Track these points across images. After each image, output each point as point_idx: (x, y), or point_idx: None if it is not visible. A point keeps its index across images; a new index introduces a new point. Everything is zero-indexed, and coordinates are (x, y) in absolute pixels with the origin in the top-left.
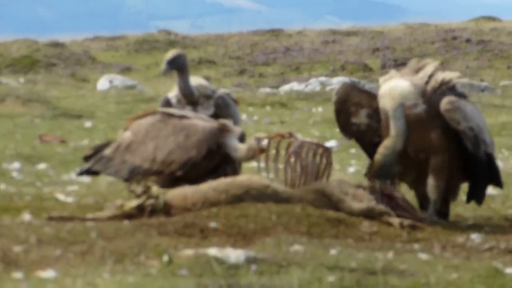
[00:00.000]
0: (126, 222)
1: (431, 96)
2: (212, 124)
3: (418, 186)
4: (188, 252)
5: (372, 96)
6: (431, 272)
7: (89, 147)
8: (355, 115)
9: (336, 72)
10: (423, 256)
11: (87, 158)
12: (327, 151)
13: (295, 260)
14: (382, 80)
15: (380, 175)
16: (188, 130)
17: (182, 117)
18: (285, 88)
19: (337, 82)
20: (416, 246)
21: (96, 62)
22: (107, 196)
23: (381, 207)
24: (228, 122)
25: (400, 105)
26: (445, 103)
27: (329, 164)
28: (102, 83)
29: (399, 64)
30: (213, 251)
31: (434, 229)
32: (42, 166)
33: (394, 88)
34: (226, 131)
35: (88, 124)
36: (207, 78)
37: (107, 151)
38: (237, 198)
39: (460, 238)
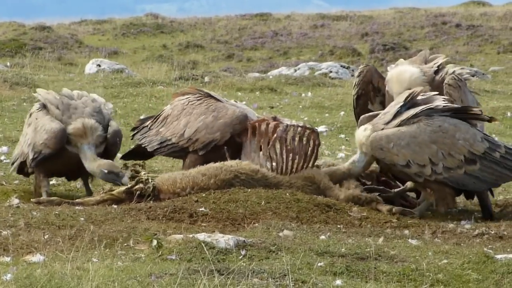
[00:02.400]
0: (115, 207)
1: (439, 85)
2: (241, 111)
3: None
4: (177, 237)
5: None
6: (421, 257)
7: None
8: (372, 101)
9: (324, 57)
10: (414, 242)
11: (134, 129)
12: (314, 132)
13: (284, 245)
14: (390, 67)
15: None
16: (218, 112)
17: (218, 99)
18: (274, 72)
19: (326, 66)
20: (406, 232)
21: (83, 45)
22: (96, 180)
23: (369, 194)
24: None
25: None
26: (449, 78)
27: (316, 145)
28: (90, 67)
29: (388, 49)
30: (202, 236)
31: (425, 215)
32: None
33: (402, 73)
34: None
35: None
36: (195, 63)
37: (148, 122)
38: (226, 183)
39: (450, 224)
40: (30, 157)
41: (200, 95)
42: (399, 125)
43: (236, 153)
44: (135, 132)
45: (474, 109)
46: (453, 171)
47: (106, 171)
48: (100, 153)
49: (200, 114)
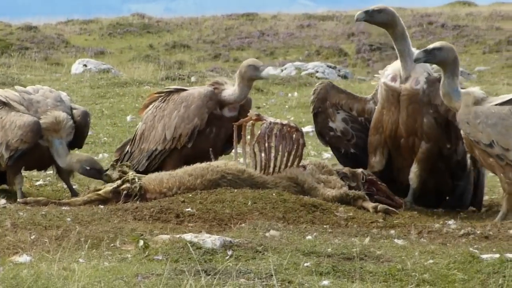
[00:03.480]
0: (101, 207)
1: (435, 81)
2: (207, 88)
3: (403, 174)
4: (164, 237)
5: (351, 97)
6: (407, 257)
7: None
8: (332, 118)
9: (311, 57)
10: (400, 242)
11: (116, 161)
12: (298, 131)
13: (271, 245)
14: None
15: None
16: (186, 100)
17: (179, 90)
18: None
19: (312, 66)
20: (392, 232)
21: (70, 45)
22: (82, 180)
23: (354, 192)
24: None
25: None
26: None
27: (301, 145)
28: (76, 67)
29: (374, 49)
30: (189, 237)
31: (411, 215)
32: None
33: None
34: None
35: None
36: (181, 63)
37: (127, 147)
38: (213, 183)
39: (436, 224)
40: (6, 156)
41: (162, 96)
42: (490, 106)
43: (220, 128)
44: (120, 163)
45: None
46: None
47: (88, 167)
48: (70, 140)
49: (171, 111)
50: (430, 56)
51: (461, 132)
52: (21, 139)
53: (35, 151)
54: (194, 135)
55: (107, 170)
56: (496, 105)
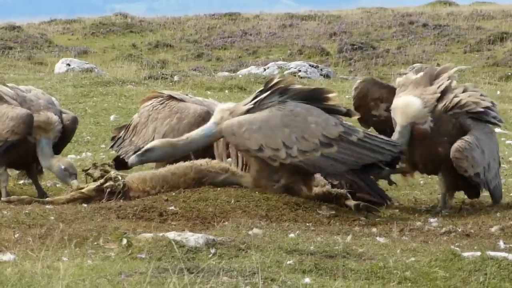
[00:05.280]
0: (85, 206)
1: (440, 114)
2: (203, 108)
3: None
4: (147, 235)
5: (392, 92)
6: (389, 255)
7: None
8: (375, 108)
9: (293, 56)
10: (381, 239)
11: (113, 138)
12: None
13: (254, 243)
14: (398, 85)
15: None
16: (181, 113)
17: (180, 99)
18: (243, 72)
19: (295, 65)
20: (374, 230)
21: (53, 45)
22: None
23: (337, 190)
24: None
25: (410, 124)
26: (454, 150)
27: None
28: (59, 66)
29: (356, 48)
30: (172, 235)
31: (392, 213)
32: None
33: (408, 106)
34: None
35: None
36: (164, 62)
37: (122, 132)
38: (196, 181)
39: (418, 222)
40: None
41: (162, 98)
42: (252, 108)
43: (206, 151)
44: (113, 143)
45: (330, 95)
46: (309, 153)
47: (63, 167)
48: (55, 142)
49: (165, 118)
50: (143, 157)
51: (230, 149)
52: (12, 130)
53: (21, 146)
54: None
55: (88, 169)
56: (247, 108)
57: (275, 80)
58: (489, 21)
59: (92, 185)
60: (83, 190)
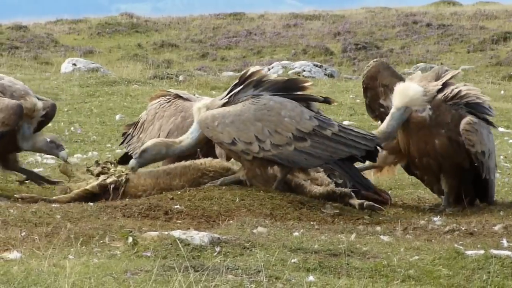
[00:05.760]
0: (91, 205)
1: (440, 104)
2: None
3: (432, 184)
4: (153, 234)
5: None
6: (393, 254)
7: (52, 130)
8: (383, 97)
9: (297, 56)
10: (385, 238)
11: (124, 134)
12: None
13: (258, 242)
14: (409, 79)
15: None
16: (186, 112)
17: (186, 99)
18: None
19: (299, 65)
20: (378, 228)
21: (59, 45)
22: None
23: (341, 189)
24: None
25: (405, 108)
26: (465, 122)
27: None
28: (66, 66)
29: (360, 48)
30: (177, 233)
31: (396, 212)
32: None
33: (407, 88)
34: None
35: None
36: (170, 62)
37: (131, 129)
38: (193, 181)
39: (421, 221)
40: None
41: (169, 97)
42: (226, 102)
43: (211, 150)
44: (123, 139)
45: (306, 84)
46: (282, 147)
47: (48, 139)
48: (34, 128)
49: (170, 116)
50: (140, 159)
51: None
52: (3, 122)
53: (8, 135)
54: None
55: (90, 166)
56: (223, 102)
57: (249, 72)
58: (492, 21)
59: (95, 182)
60: (87, 187)
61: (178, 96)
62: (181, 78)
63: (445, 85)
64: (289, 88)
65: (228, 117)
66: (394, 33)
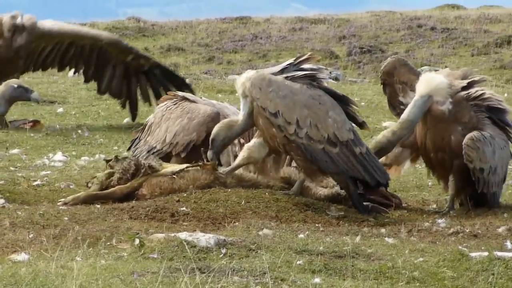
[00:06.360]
0: (98, 206)
1: (461, 100)
2: (213, 109)
3: (442, 181)
4: (159, 236)
5: None
6: (397, 256)
7: (60, 133)
8: (402, 93)
9: None
10: (390, 240)
11: (132, 141)
12: None
13: (264, 244)
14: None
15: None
16: (192, 113)
17: (193, 101)
18: None
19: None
20: (383, 230)
21: None
22: (79, 180)
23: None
24: None
25: (428, 96)
26: (468, 138)
27: None
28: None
29: (365, 51)
30: (183, 235)
31: (401, 214)
32: (15, 151)
33: (431, 78)
34: None
35: (60, 109)
36: (176, 65)
37: (139, 133)
38: (205, 186)
39: (426, 223)
40: None
41: (176, 99)
42: (285, 78)
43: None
44: (131, 144)
45: (353, 105)
46: (313, 142)
47: (15, 85)
48: None
49: (177, 117)
50: (213, 149)
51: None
52: None
53: None
54: (189, 147)
55: (110, 160)
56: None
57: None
58: (496, 24)
59: (102, 174)
60: (96, 182)
61: (185, 99)
62: (187, 81)
63: (470, 84)
64: (341, 98)
65: (284, 89)
66: (398, 37)
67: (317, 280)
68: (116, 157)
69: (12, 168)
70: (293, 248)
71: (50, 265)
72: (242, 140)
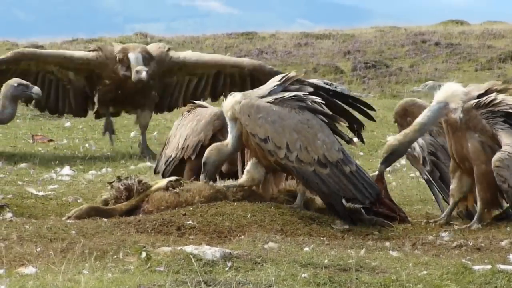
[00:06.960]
0: (105, 220)
1: (470, 109)
2: (219, 109)
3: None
4: (166, 249)
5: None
6: (401, 269)
7: (67, 147)
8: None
9: (308, 74)
10: (394, 253)
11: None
12: None
13: (269, 257)
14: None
15: (388, 160)
16: (200, 115)
17: (205, 106)
18: None
19: None
20: (387, 244)
21: None
22: (86, 194)
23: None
24: None
25: (445, 103)
26: (496, 159)
27: None
28: None
29: (370, 66)
30: (190, 248)
31: (405, 228)
32: (23, 165)
33: (451, 86)
34: None
35: (67, 124)
36: None
37: (160, 151)
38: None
39: (430, 236)
40: None
41: (191, 107)
42: (272, 102)
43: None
44: (156, 163)
45: (342, 123)
46: (304, 165)
47: (15, 84)
48: None
49: (188, 122)
50: (205, 172)
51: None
52: None
53: None
54: (198, 148)
55: (113, 181)
56: (274, 100)
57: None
58: (500, 39)
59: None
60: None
61: (200, 106)
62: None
63: (488, 92)
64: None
65: (272, 115)
66: (403, 52)
67: None
68: (118, 177)
69: (20, 182)
70: (298, 261)
71: (57, 278)
72: None
